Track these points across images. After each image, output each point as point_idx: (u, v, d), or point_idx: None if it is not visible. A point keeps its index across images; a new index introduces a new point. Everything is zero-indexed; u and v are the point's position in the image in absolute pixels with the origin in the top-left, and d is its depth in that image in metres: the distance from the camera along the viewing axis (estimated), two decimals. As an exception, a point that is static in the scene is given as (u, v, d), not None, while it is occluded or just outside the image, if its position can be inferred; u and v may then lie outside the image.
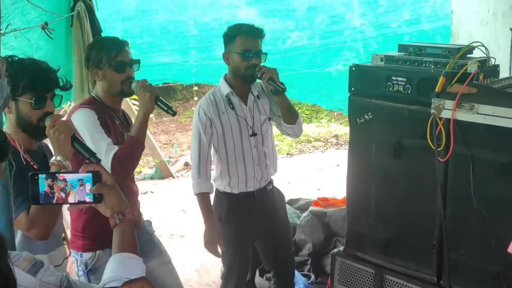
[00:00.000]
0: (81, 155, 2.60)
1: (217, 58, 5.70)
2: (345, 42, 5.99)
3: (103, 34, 4.67)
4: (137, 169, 9.61)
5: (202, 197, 3.78)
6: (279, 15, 5.66)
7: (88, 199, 1.88)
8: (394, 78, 3.23)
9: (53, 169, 2.49)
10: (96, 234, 3.20)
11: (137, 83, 3.18)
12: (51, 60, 4.20)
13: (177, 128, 13.38)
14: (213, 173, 3.91)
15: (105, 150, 3.05)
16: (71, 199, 1.88)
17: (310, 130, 11.00)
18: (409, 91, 3.17)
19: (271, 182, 3.99)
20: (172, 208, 7.41)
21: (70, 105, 4.69)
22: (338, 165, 8.50)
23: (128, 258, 1.83)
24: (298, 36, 5.88)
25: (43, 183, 1.84)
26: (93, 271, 3.23)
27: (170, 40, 5.65)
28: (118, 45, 3.24)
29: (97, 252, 3.23)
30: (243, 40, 3.65)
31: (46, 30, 3.19)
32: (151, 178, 9.03)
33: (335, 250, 3.72)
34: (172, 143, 11.60)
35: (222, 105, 3.76)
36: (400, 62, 3.28)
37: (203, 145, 3.74)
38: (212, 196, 3.91)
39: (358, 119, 3.42)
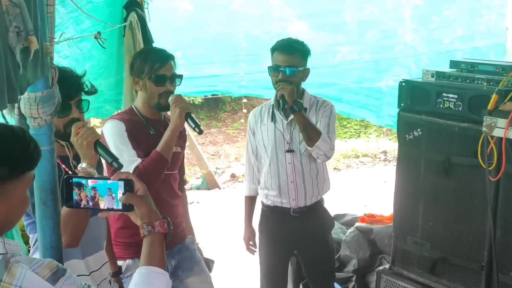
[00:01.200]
0: (104, 159, 2.59)
1: (266, 71, 5.74)
2: (396, 57, 5.92)
3: (155, 45, 4.73)
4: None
5: (245, 200, 4.08)
6: (330, 29, 5.63)
7: (118, 207, 1.87)
8: (445, 94, 3.18)
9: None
10: (127, 243, 3.24)
11: (172, 97, 3.16)
12: (103, 69, 4.32)
13: (224, 140, 13.48)
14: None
15: (127, 161, 3.04)
16: (100, 206, 1.87)
17: (358, 145, 10.92)
18: (460, 108, 3.12)
19: (317, 204, 3.88)
20: (218, 220, 7.43)
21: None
22: (385, 182, 8.40)
23: (154, 273, 1.80)
24: (349, 50, 5.84)
25: (81, 187, 1.85)
26: (124, 280, 3.24)
27: (220, 52, 5.67)
28: (162, 58, 3.23)
29: (127, 261, 3.27)
30: (276, 55, 3.67)
31: (98, 39, 3.23)
32: (198, 188, 9.10)
33: (381, 268, 3.67)
34: (219, 154, 11.67)
35: (265, 117, 3.81)
36: (451, 79, 3.24)
37: (248, 153, 3.98)
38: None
39: (407, 135, 3.38)
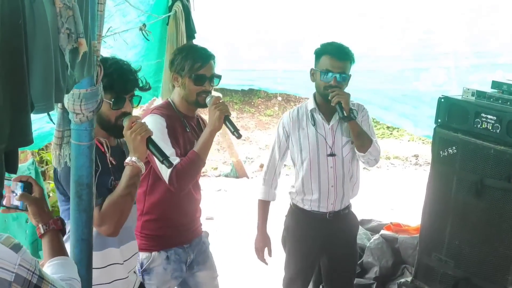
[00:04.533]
0: (155, 157, 2.66)
1: (304, 70, 5.72)
2: (436, 58, 5.85)
3: (198, 35, 4.77)
4: (213, 165, 9.91)
5: (260, 204, 4.00)
6: (372, 26, 5.56)
7: (17, 205, 2.11)
8: (483, 115, 3.17)
9: (127, 169, 2.56)
10: (154, 235, 3.32)
11: (211, 98, 3.22)
12: (144, 57, 4.36)
13: (256, 125, 13.52)
14: (292, 185, 3.96)
15: None
16: (6, 203, 2.10)
17: (389, 146, 10.83)
18: (498, 130, 3.11)
19: (348, 207, 3.92)
20: (244, 209, 7.46)
21: (155, 101, 4.81)
22: (415, 186, 8.37)
23: (63, 260, 2.00)
24: (389, 47, 5.76)
25: None
26: (147, 271, 3.34)
27: (261, 44, 5.66)
28: (203, 58, 3.28)
29: (152, 253, 3.34)
30: (327, 59, 3.62)
31: (143, 31, 3.28)
32: (226, 176, 9.15)
33: (402, 280, 3.69)
34: (250, 140, 11.70)
35: (304, 121, 3.79)
36: (492, 100, 3.22)
37: (274, 156, 3.92)
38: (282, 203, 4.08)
39: (441, 152, 3.38)
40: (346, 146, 3.73)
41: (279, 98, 14.93)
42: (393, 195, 8.27)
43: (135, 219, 2.98)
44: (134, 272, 2.95)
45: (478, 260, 3.24)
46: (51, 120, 1.85)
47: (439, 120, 3.40)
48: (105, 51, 2.90)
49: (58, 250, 2.04)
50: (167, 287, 3.42)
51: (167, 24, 4.41)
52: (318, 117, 3.75)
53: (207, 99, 3.23)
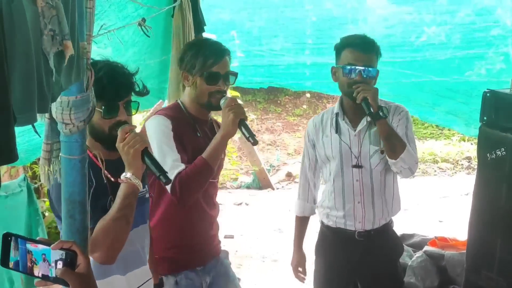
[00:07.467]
0: (151, 172, 2.66)
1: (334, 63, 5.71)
2: (491, 43, 5.81)
3: (207, 26, 4.82)
4: (233, 176, 9.93)
5: (296, 220, 4.08)
6: (415, 5, 5.55)
7: (53, 278, 1.86)
8: (536, 111, 3.19)
9: (121, 187, 2.58)
10: (158, 257, 3.33)
11: (225, 100, 3.21)
12: (147, 55, 4.42)
13: (283, 128, 13.53)
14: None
15: (169, 166, 3.12)
16: (36, 272, 1.87)
17: (437, 148, 10.75)
18: (553, 129, 3.12)
19: (386, 226, 3.84)
20: (268, 226, 7.49)
21: (162, 104, 4.87)
22: (467, 194, 8.33)
23: None
24: (435, 32, 5.72)
25: (23, 248, 1.86)
26: None
27: (282, 33, 5.66)
28: (217, 53, 3.29)
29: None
30: (349, 53, 3.58)
31: (143, 27, 3.33)
32: (248, 187, 9.19)
33: (449, 303, 3.71)
34: (276, 144, 11.72)
35: (328, 127, 3.77)
36: (545, 93, 3.24)
37: (305, 167, 3.94)
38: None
39: (489, 154, 3.39)
40: (375, 156, 3.68)
41: (308, 95, 14.94)
42: (442, 204, 8.25)
43: (146, 243, 3.01)
44: None
45: (535, 278, 3.25)
46: (37, 132, 1.90)
47: (485, 118, 3.41)
48: (101, 51, 2.96)
49: None
50: None
51: (172, 17, 4.47)
52: (343, 122, 3.72)
53: (221, 101, 3.23)
